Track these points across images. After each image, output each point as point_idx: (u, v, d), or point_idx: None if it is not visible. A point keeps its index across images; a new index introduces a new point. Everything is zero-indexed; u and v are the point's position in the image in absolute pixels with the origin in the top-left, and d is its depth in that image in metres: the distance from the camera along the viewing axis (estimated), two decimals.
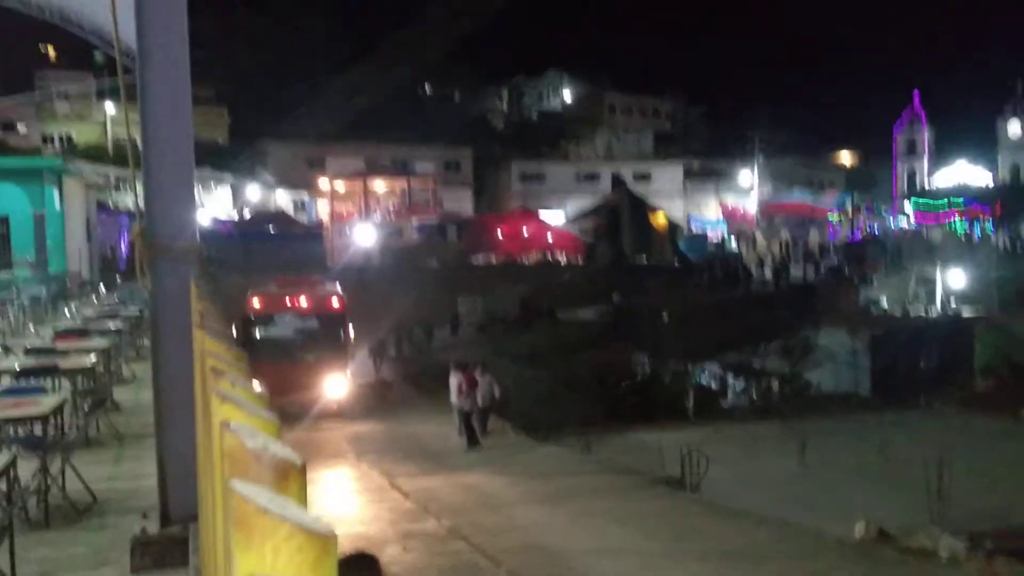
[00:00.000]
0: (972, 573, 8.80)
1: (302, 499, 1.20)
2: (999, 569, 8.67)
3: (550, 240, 42.24)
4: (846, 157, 71.79)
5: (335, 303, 18.79)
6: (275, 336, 18.13)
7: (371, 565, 2.85)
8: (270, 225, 38.36)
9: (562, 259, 40.85)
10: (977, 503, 13.47)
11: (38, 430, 7.47)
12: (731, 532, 10.50)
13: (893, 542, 9.93)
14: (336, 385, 18.16)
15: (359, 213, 45.88)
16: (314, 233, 39.77)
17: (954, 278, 38.03)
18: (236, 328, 16.78)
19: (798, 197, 60.18)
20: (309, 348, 18.04)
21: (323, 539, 0.95)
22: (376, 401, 20.45)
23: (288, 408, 16.35)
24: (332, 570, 0.97)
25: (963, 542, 9.70)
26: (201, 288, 4.74)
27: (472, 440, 16.68)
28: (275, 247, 32.50)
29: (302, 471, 1.23)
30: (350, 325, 18.69)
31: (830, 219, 58.00)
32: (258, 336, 17.97)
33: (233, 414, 1.46)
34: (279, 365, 16.52)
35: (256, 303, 18.30)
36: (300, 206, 48.73)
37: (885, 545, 9.82)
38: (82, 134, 47.38)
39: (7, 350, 12.48)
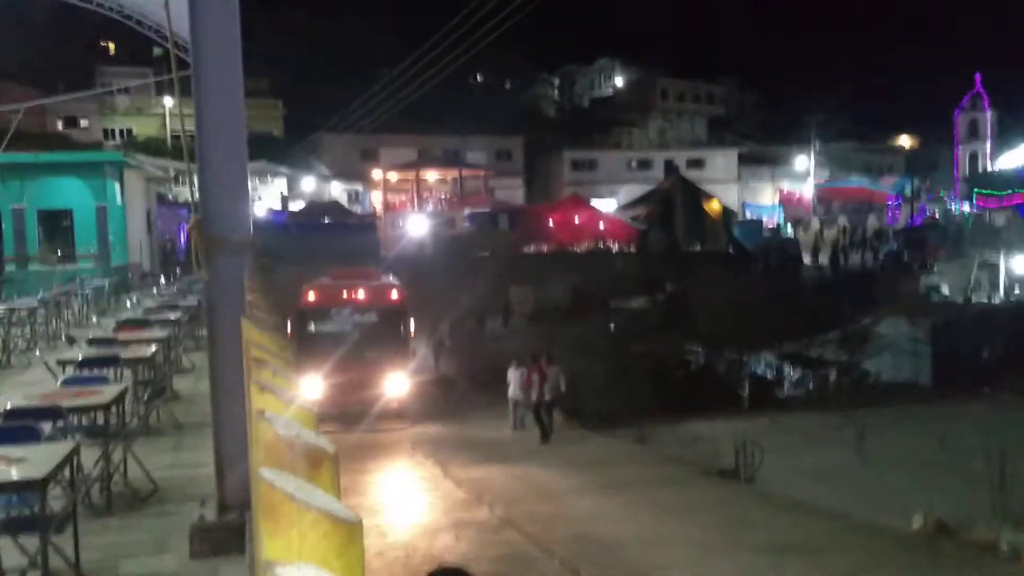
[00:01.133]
0: None
1: (334, 487, 1.22)
2: None
3: (602, 228, 42.02)
4: (906, 141, 70.14)
5: (394, 296, 18.01)
6: (332, 331, 17.38)
7: None
8: (325, 216, 38.80)
9: (614, 247, 40.62)
10: None
11: (100, 419, 7.66)
12: (785, 524, 10.38)
13: (952, 535, 9.72)
14: (397, 384, 17.28)
15: (411, 203, 46.20)
16: (368, 223, 40.14)
17: (1018, 264, 36.97)
18: (291, 322, 16.58)
19: (856, 182, 58.98)
20: (368, 344, 17.13)
21: (349, 526, 0.96)
22: (438, 401, 19.61)
23: (347, 409, 16.27)
24: (358, 556, 0.99)
25: None
26: (253, 279, 4.82)
27: (545, 433, 16.67)
28: (329, 238, 32.85)
29: (334, 460, 1.25)
30: (411, 320, 17.85)
31: (889, 204, 56.72)
32: (314, 331, 17.32)
33: (271, 403, 1.49)
34: (336, 362, 15.99)
35: (312, 296, 17.63)
36: (354, 197, 49.29)
37: (944, 538, 9.62)
38: (142, 128, 48.52)
39: (71, 341, 12.84)
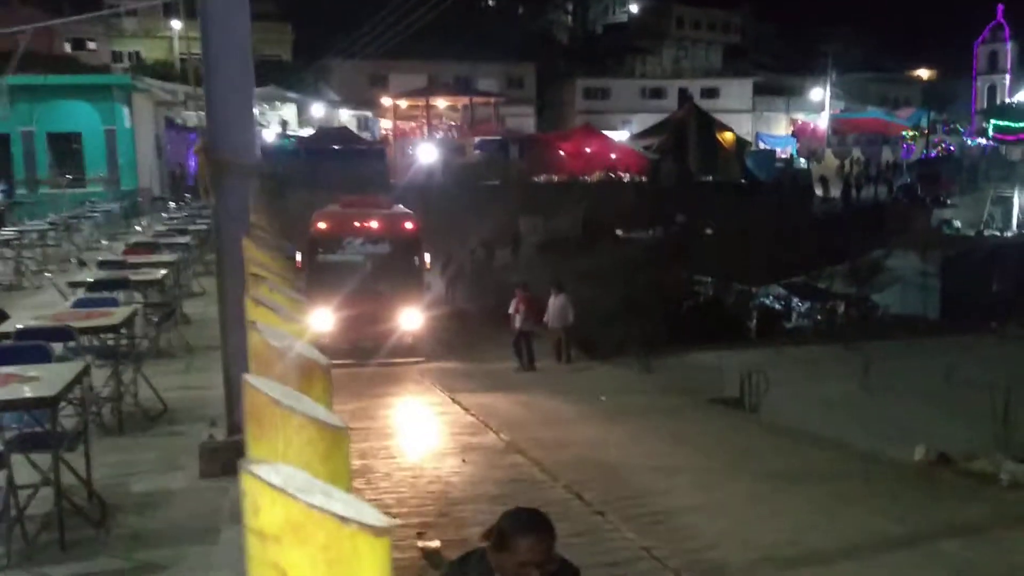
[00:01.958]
0: None
1: (325, 399, 1.22)
2: None
3: (614, 158, 41.64)
4: (923, 73, 68.77)
5: (409, 226, 17.34)
6: (343, 262, 16.83)
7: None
8: (334, 142, 38.54)
9: (626, 178, 40.30)
10: None
11: (110, 341, 7.75)
12: (788, 453, 10.50)
13: (953, 466, 9.83)
14: (410, 318, 16.71)
15: (421, 131, 45.80)
16: (377, 150, 39.84)
17: None
18: (301, 252, 16.23)
19: (872, 114, 58.10)
20: (381, 277, 16.63)
21: (335, 433, 0.97)
22: (452, 336, 18.99)
23: (359, 343, 16.01)
24: (344, 463, 0.99)
25: None
26: (258, 202, 4.81)
27: (523, 365, 16.77)
28: (339, 164, 32.64)
29: (326, 371, 1.26)
30: (425, 252, 17.27)
31: (904, 137, 55.94)
32: (324, 261, 16.78)
33: (265, 317, 1.49)
34: (347, 295, 15.65)
35: (322, 225, 16.99)
36: (363, 124, 48.88)
37: (945, 468, 9.73)
38: (150, 51, 47.97)
39: (81, 263, 12.92)
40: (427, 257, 17.27)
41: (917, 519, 7.91)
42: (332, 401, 1.19)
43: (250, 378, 0.98)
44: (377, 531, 0.69)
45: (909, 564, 6.85)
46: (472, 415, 12.17)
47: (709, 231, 31.02)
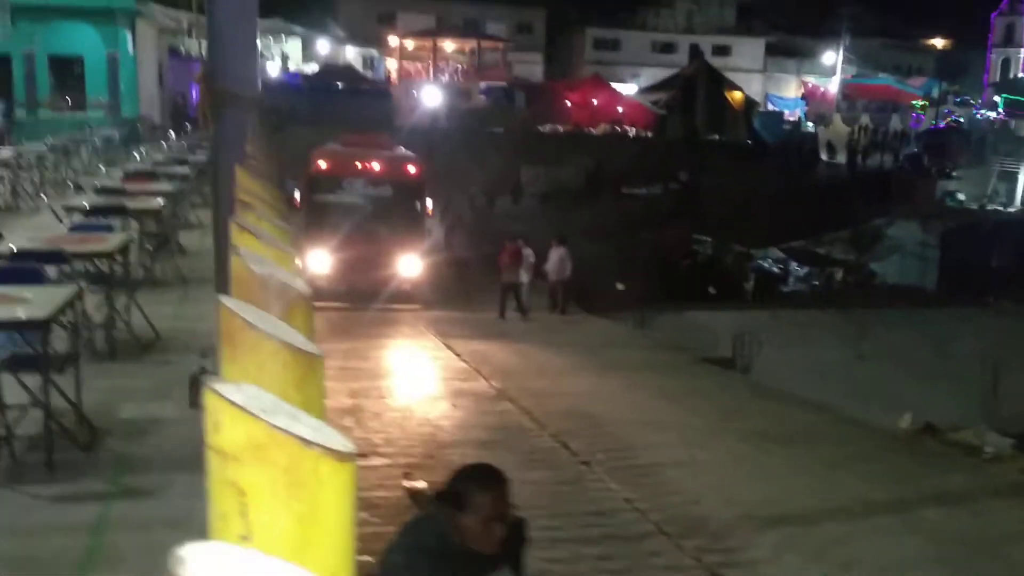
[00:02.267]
0: (1013, 471, 8.76)
1: (305, 327, 1.19)
2: None
3: (620, 111, 41.27)
4: (938, 42, 67.88)
5: (412, 170, 16.83)
6: (343, 203, 16.35)
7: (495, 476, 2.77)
8: (338, 80, 38.14)
9: (631, 132, 39.99)
10: None
11: (105, 267, 7.73)
12: (776, 414, 10.56)
13: (939, 435, 9.90)
14: (410, 265, 16.30)
15: (427, 73, 45.29)
16: (382, 91, 39.43)
17: None
18: (299, 190, 15.97)
19: (883, 81, 57.45)
20: (381, 220, 16.10)
21: (310, 359, 0.94)
22: (450, 284, 18.63)
23: (356, 287, 15.71)
24: (318, 390, 0.97)
25: (1010, 441, 9.63)
26: (256, 134, 4.74)
27: (502, 312, 16.79)
28: (342, 103, 32.32)
29: (308, 301, 1.23)
30: (428, 197, 16.75)
31: (914, 106, 55.42)
32: (323, 201, 16.30)
33: (251, 244, 1.45)
34: (346, 237, 15.39)
35: (323, 164, 16.47)
36: (369, 63, 48.30)
37: (930, 438, 9.80)
38: None
39: (79, 188, 12.84)
40: (429, 203, 16.83)
41: (899, 486, 7.99)
42: (312, 330, 1.16)
43: (225, 300, 0.95)
44: (341, 456, 0.67)
45: (889, 529, 6.93)
46: (464, 361, 12.22)
47: (712, 191, 30.85)
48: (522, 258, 17.37)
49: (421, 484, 6.96)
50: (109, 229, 8.49)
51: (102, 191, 11.12)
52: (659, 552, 6.33)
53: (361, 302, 15.37)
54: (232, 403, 0.66)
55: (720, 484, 7.72)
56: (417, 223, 16.60)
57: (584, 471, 7.86)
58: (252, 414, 0.65)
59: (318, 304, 14.12)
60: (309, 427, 0.69)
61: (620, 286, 14.89)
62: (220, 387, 0.69)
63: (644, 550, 6.35)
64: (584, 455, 8.19)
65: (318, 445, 0.66)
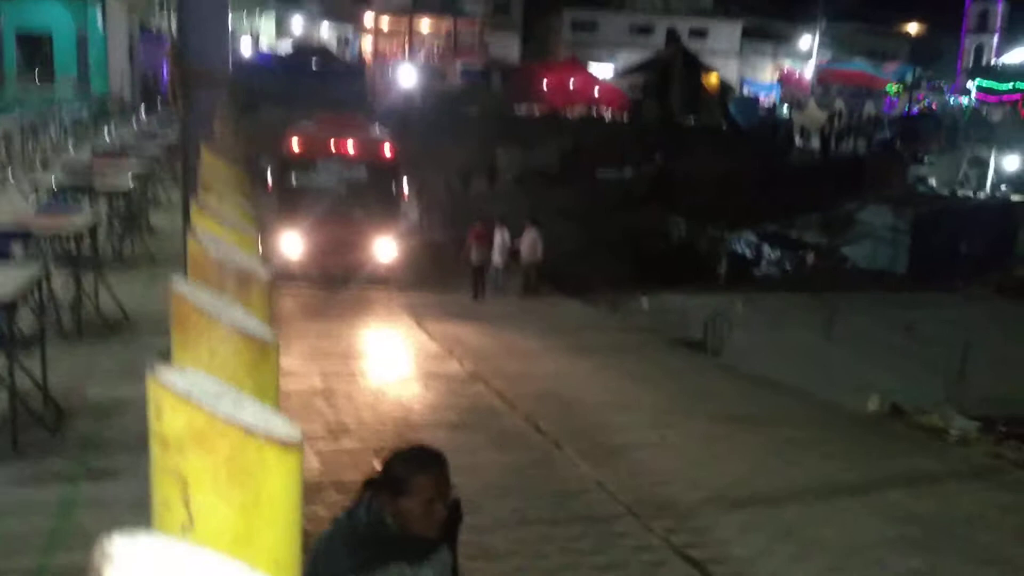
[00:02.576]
0: (979, 454, 8.91)
1: (263, 311, 1.18)
2: (1006, 453, 8.76)
3: (596, 94, 41.22)
4: (913, 27, 68.25)
5: (387, 152, 16.52)
6: (316, 185, 16.00)
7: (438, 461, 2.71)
8: (312, 60, 37.76)
9: (607, 115, 39.97)
10: (997, 388, 13.50)
11: (73, 247, 7.63)
12: (746, 396, 10.67)
13: (906, 418, 10.04)
14: (385, 248, 16.08)
15: (403, 53, 44.95)
16: (356, 71, 39.08)
17: (1009, 162, 36.86)
18: (271, 172, 15.79)
19: (858, 66, 57.75)
20: (355, 203, 15.85)
21: (262, 344, 0.93)
22: (425, 267, 18.39)
23: (329, 271, 15.65)
24: (272, 376, 0.96)
25: (975, 424, 9.78)
26: (224, 112, 4.69)
27: (476, 294, 16.90)
28: (316, 82, 32.00)
29: (266, 283, 1.22)
30: (404, 179, 16.46)
31: (888, 91, 55.78)
32: (296, 184, 15.94)
33: (209, 225, 1.44)
34: (320, 220, 15.12)
35: (295, 145, 16.13)
36: (343, 41, 47.83)
37: (897, 420, 9.94)
38: None
39: (46, 166, 12.65)
40: (405, 185, 16.58)
41: (866, 468, 8.10)
42: (270, 314, 1.16)
43: (177, 283, 0.94)
44: (285, 443, 0.66)
45: (854, 510, 7.03)
46: (437, 343, 12.22)
47: (686, 174, 30.98)
48: (489, 239, 17.39)
49: None
50: (77, 209, 8.38)
51: (70, 169, 10.96)
52: (628, 533, 6.38)
53: (335, 285, 15.24)
54: (173, 389, 0.66)
55: (689, 465, 7.80)
56: (392, 205, 16.34)
57: (555, 452, 7.91)
58: (193, 401, 0.65)
59: (290, 287, 13.96)
60: (254, 414, 0.68)
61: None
62: (161, 373, 0.68)
63: (613, 531, 6.40)
64: (555, 436, 8.23)
65: (261, 432, 0.65)
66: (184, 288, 0.95)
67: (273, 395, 0.95)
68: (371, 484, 2.59)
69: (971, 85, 56.42)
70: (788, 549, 6.32)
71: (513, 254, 17.80)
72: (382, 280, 16.16)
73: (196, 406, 0.64)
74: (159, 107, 25.41)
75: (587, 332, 14.30)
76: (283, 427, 0.67)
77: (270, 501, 0.67)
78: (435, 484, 2.53)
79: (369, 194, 16.06)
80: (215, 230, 1.41)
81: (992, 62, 61.85)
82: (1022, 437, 9.65)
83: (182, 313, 0.92)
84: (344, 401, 8.96)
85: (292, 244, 15.47)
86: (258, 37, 42.76)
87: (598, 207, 25.89)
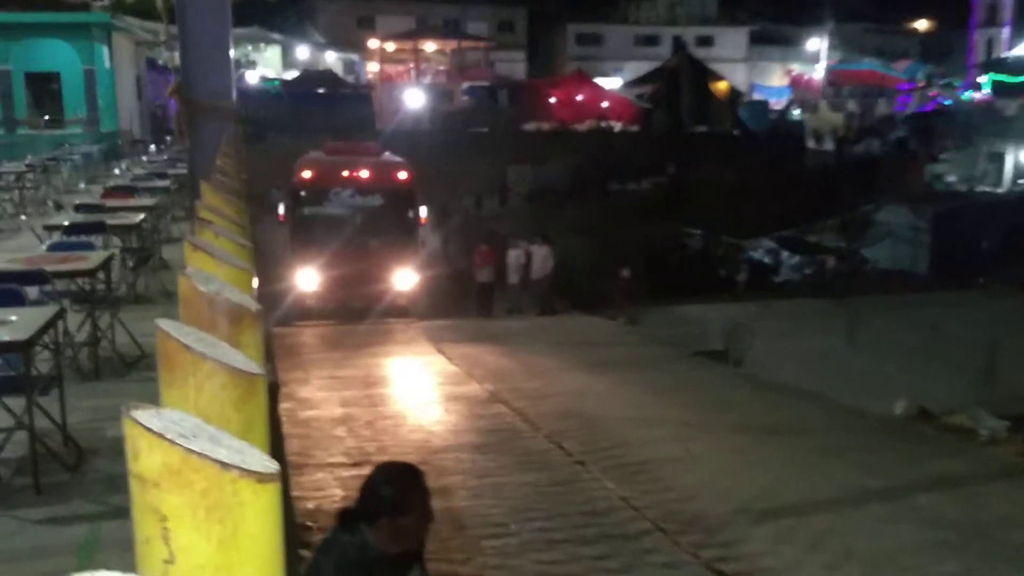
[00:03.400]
0: (1009, 454, 8.75)
1: (255, 345, 1.15)
2: None
3: (605, 107, 41.25)
4: (922, 24, 68.00)
5: (403, 176, 15.91)
6: (330, 216, 15.51)
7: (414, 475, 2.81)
8: (319, 86, 38.04)
9: (617, 127, 39.99)
10: None
11: (87, 285, 7.65)
12: (770, 406, 10.54)
13: (934, 420, 9.90)
14: (403, 278, 15.55)
15: (409, 75, 45.20)
16: (363, 95, 39.32)
17: None
18: (283, 203, 15.47)
19: (868, 66, 57.56)
20: (371, 232, 15.39)
21: (249, 379, 0.90)
22: (450, 298, 17.87)
23: (347, 304, 15.35)
24: (259, 410, 0.92)
25: (1005, 423, 9.63)
26: (228, 145, 4.70)
27: (485, 312, 17.03)
28: (323, 108, 32.19)
29: (256, 317, 1.18)
30: (421, 205, 15.85)
31: (900, 89, 55.54)
32: (309, 214, 15.46)
33: (204, 262, 1.41)
34: (335, 252, 14.74)
35: (307, 174, 15.60)
36: (349, 67, 48.18)
37: (925, 423, 9.79)
38: None
39: (58, 206, 12.75)
40: (423, 211, 16.01)
41: (895, 473, 7.97)
42: (260, 348, 1.12)
43: (162, 323, 0.91)
44: (261, 477, 0.63)
45: (884, 517, 6.90)
46: (456, 365, 12.17)
47: (700, 183, 30.94)
48: (494, 258, 17.41)
49: None
50: (90, 247, 8.42)
51: (82, 208, 11.03)
52: (656, 549, 6.29)
53: (353, 320, 14.89)
54: (148, 429, 0.63)
55: (715, 478, 7.70)
56: (410, 233, 15.79)
57: (579, 471, 7.83)
58: (168, 440, 0.62)
59: (306, 323, 13.86)
60: (230, 449, 0.65)
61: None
62: (137, 414, 0.65)
63: (641, 548, 6.31)
64: (579, 455, 8.15)
65: (235, 467, 0.63)
66: (168, 326, 0.92)
67: (261, 428, 0.92)
68: (363, 511, 2.62)
69: (983, 79, 56.05)
70: (820, 559, 6.21)
71: (527, 272, 17.80)
72: (401, 311, 15.72)
73: (170, 444, 0.62)
74: (168, 141, 25.63)
75: (606, 347, 14.21)
76: (259, 461, 0.65)
77: (249, 535, 0.65)
78: (425, 498, 2.63)
79: (385, 222, 15.62)
80: (209, 267, 1.38)
81: (1004, 54, 61.46)
82: None
83: (167, 351, 0.90)
84: (364, 428, 8.93)
85: (307, 278, 15.12)
86: (254, 64, 43.12)
87: (612, 221, 25.85)
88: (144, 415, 0.66)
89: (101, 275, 7.60)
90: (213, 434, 0.68)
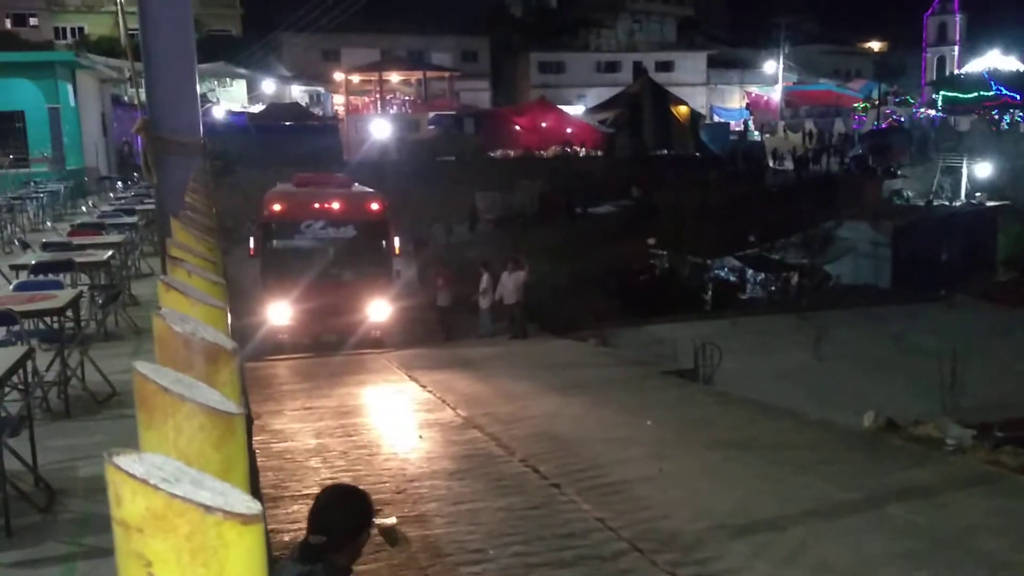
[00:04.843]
0: (976, 462, 8.90)
1: (232, 384, 1.20)
2: (1004, 459, 8.76)
3: (569, 132, 41.63)
4: (875, 45, 69.54)
5: (375, 207, 15.77)
6: (301, 248, 15.33)
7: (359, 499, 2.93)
8: (285, 119, 38.06)
9: (582, 152, 40.34)
10: (990, 394, 13.55)
11: (55, 324, 7.60)
12: (741, 422, 10.64)
13: (901, 431, 10.04)
14: (377, 309, 15.38)
15: (375, 106, 45.33)
16: (329, 126, 39.39)
17: (980, 169, 37.35)
18: (254, 237, 15.28)
19: (824, 86, 58.69)
20: (344, 264, 15.32)
21: (228, 419, 0.95)
22: (425, 329, 17.59)
23: (320, 338, 15.30)
24: (239, 450, 0.97)
25: (971, 432, 9.79)
26: (197, 181, 4.72)
27: (446, 335, 17.19)
28: (290, 141, 32.21)
29: (232, 355, 1.23)
30: (394, 237, 15.66)
31: (855, 108, 56.62)
32: (280, 247, 15.22)
33: (178, 302, 1.45)
34: (307, 285, 14.60)
35: (277, 207, 15.38)
36: (315, 99, 48.25)
37: (893, 435, 9.93)
38: (94, 27, 46.78)
39: (25, 246, 12.63)
40: (396, 241, 15.76)
41: (865, 485, 8.07)
42: (238, 387, 1.17)
43: (138, 365, 0.96)
44: (245, 519, 0.68)
45: (857, 529, 7.00)
46: (429, 392, 12.18)
47: (665, 204, 31.26)
48: (452, 282, 17.57)
49: (391, 520, 6.90)
50: (58, 285, 8.36)
51: (49, 246, 10.95)
52: (634, 569, 6.33)
53: (326, 353, 14.77)
54: (130, 474, 0.67)
55: (689, 496, 7.76)
56: (383, 264, 15.58)
57: (555, 493, 7.86)
58: (150, 484, 0.66)
59: (279, 357, 13.81)
60: (213, 492, 0.69)
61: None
62: (118, 459, 0.69)
63: (619, 568, 6.35)
64: (554, 477, 8.19)
65: (219, 510, 0.66)
66: (145, 368, 0.97)
67: (242, 468, 0.96)
68: (329, 541, 2.68)
69: (936, 97, 57.29)
70: (796, 573, 6.28)
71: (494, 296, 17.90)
72: (376, 343, 15.59)
73: (153, 489, 0.65)
74: (135, 178, 25.46)
75: (578, 369, 14.29)
76: (242, 503, 0.68)
77: None
78: (371, 508, 2.76)
79: (358, 253, 15.48)
80: (182, 306, 1.42)
81: (955, 72, 62.91)
82: (1019, 441, 9.65)
83: (145, 393, 0.94)
84: (339, 458, 8.91)
85: (279, 313, 14.96)
86: (229, 102, 43.09)
87: (580, 244, 26.03)
88: (126, 460, 0.70)
89: (70, 313, 7.56)
90: (195, 477, 0.72)
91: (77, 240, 11.27)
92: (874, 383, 14.15)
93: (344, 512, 2.74)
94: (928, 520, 7.19)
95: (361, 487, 8.19)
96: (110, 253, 10.27)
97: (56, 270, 9.10)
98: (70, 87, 26.40)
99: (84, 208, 18.36)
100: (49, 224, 17.64)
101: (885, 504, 7.54)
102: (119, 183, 24.28)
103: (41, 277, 8.81)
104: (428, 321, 18.18)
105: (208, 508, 0.66)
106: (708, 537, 6.84)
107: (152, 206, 16.14)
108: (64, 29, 47.26)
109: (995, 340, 17.47)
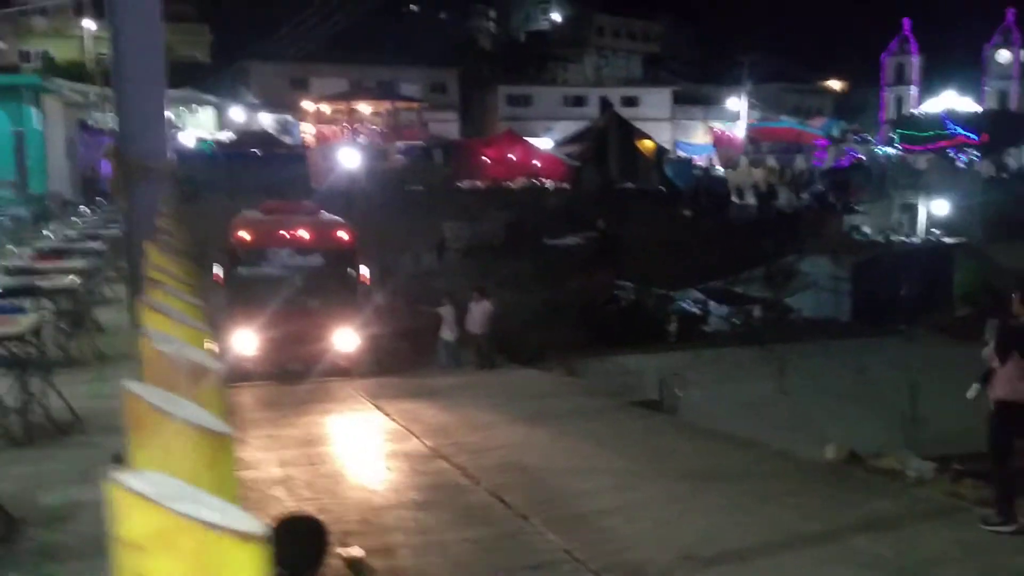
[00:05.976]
0: (937, 494, 9.02)
1: (216, 403, 1.21)
2: (963, 491, 8.89)
3: (537, 165, 41.95)
4: (835, 84, 71.11)
5: (343, 236, 15.79)
6: (268, 277, 15.26)
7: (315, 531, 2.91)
8: (253, 147, 37.96)
9: (548, 184, 40.63)
10: (950, 426, 13.70)
11: (16, 350, 7.47)
12: (705, 453, 10.70)
13: (863, 463, 10.15)
14: (345, 338, 15.35)
15: (344, 135, 45.36)
16: (298, 155, 39.32)
17: (937, 206, 38.15)
18: (220, 265, 15.08)
19: (786, 123, 59.82)
20: (311, 293, 15.22)
21: (218, 438, 0.96)
22: (388, 354, 17.48)
23: (287, 367, 15.09)
24: (229, 468, 0.99)
25: (931, 464, 9.92)
26: (167, 206, 4.71)
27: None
28: (258, 168, 32.11)
29: (217, 375, 1.25)
30: (362, 265, 15.62)
31: (816, 145, 57.71)
32: (246, 275, 15.12)
33: (161, 323, 1.46)
34: (273, 314, 14.44)
35: (244, 235, 15.31)
36: (284, 127, 48.17)
37: (855, 466, 10.04)
38: (60, 51, 46.37)
39: None
40: (364, 270, 15.68)
41: (828, 516, 8.15)
42: (224, 407, 1.18)
43: (130, 384, 0.97)
44: (248, 537, 0.69)
45: (821, 559, 7.05)
46: (396, 422, 12.11)
47: (630, 237, 31.51)
48: (470, 311, 17.54)
49: (357, 551, 6.84)
50: (20, 310, 8.23)
51: (11, 272, 10.77)
52: None
53: (292, 382, 14.66)
54: (134, 492, 0.68)
55: (656, 527, 7.78)
56: (351, 293, 15.54)
57: (522, 524, 7.83)
58: (155, 502, 0.67)
59: (245, 383, 13.63)
60: (214, 510, 0.70)
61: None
62: (121, 477, 0.70)
63: None
64: (521, 508, 8.16)
65: (223, 528, 0.67)
66: (136, 388, 0.98)
67: (232, 487, 0.97)
68: (294, 574, 2.70)
69: (894, 135, 58.57)
70: None
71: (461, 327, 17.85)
72: (344, 372, 15.47)
73: (158, 507, 0.66)
74: (100, 203, 25.19)
75: (545, 400, 14.27)
76: (245, 521, 0.70)
77: None
78: (327, 540, 2.81)
79: (325, 282, 15.40)
80: (165, 327, 1.43)
81: (912, 112, 64.39)
82: (977, 475, 9.79)
83: (136, 413, 0.95)
84: (303, 488, 8.81)
85: (245, 342, 14.82)
86: (197, 128, 42.89)
87: (546, 275, 26.11)
88: (128, 477, 0.71)
89: (32, 339, 7.44)
90: (194, 495, 0.73)
91: (40, 265, 11.09)
92: (836, 415, 14.27)
93: (300, 544, 2.72)
94: (893, 552, 7.26)
95: (320, 516, 8.12)
96: (74, 278, 10.12)
97: (19, 295, 8.96)
98: (35, 111, 26.17)
99: (47, 233, 18.08)
100: (12, 249, 17.35)
101: (850, 535, 7.60)
102: (83, 208, 23.99)
103: (3, 302, 8.66)
104: (396, 351, 18.07)
105: (212, 526, 0.67)
106: (675, 568, 6.85)
107: (117, 231, 15.99)
108: (30, 52, 46.81)
109: (953, 374, 17.71)
